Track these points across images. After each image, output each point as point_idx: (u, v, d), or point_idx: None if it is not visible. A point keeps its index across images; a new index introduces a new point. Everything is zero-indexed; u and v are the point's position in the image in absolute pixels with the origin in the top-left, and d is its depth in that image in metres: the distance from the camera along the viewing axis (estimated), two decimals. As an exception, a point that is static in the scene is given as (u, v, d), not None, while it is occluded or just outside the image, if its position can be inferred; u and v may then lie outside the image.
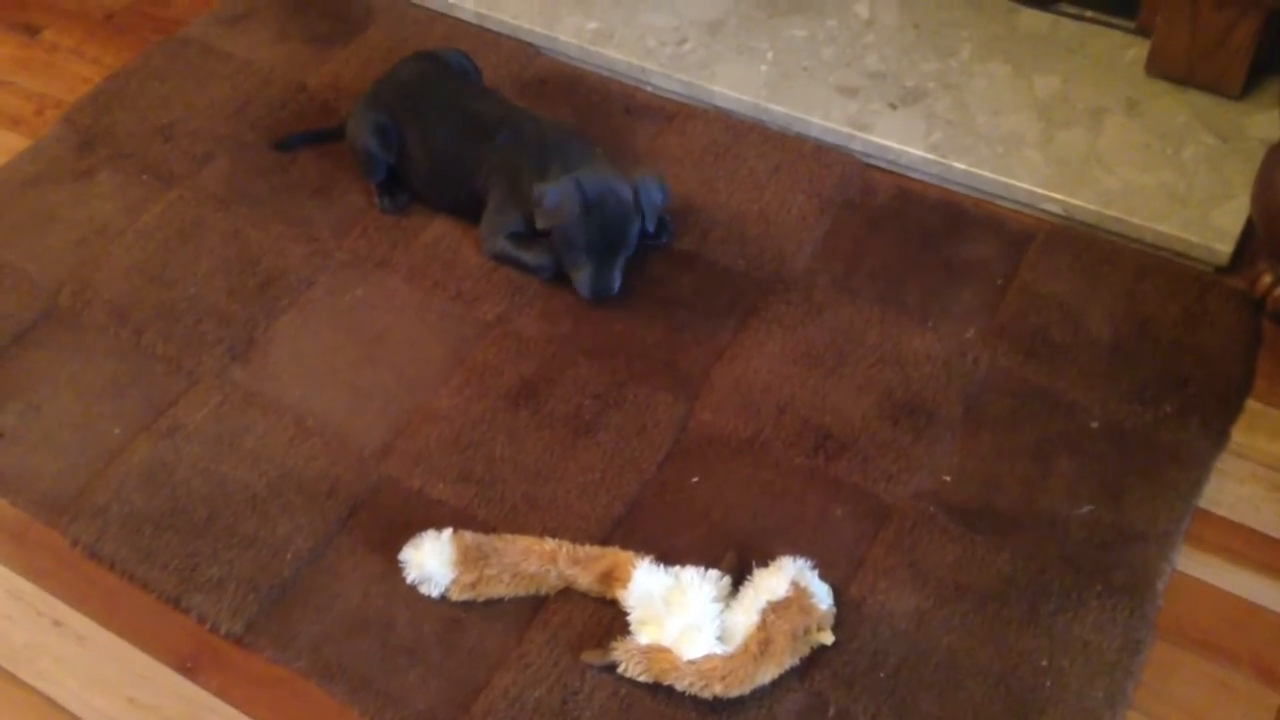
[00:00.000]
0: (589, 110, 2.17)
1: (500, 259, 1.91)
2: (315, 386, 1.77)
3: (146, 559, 1.59)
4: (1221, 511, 1.60)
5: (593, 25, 2.27)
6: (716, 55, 2.21)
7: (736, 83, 2.16)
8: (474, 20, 2.35)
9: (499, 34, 2.32)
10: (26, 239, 1.99)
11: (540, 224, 1.80)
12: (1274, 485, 1.63)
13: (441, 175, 1.95)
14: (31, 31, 2.41)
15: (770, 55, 2.20)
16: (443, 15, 2.36)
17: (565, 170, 1.82)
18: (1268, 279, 1.78)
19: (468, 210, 1.95)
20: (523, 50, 2.29)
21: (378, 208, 2.00)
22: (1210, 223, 1.88)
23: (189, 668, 1.51)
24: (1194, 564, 1.56)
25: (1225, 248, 1.85)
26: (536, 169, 1.85)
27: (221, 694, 1.49)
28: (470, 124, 1.92)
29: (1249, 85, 2.04)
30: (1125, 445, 1.65)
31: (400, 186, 2.01)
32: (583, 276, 1.83)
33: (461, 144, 1.91)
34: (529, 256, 1.88)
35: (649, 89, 2.22)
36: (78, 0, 2.47)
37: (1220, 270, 1.87)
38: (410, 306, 1.87)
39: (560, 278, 1.87)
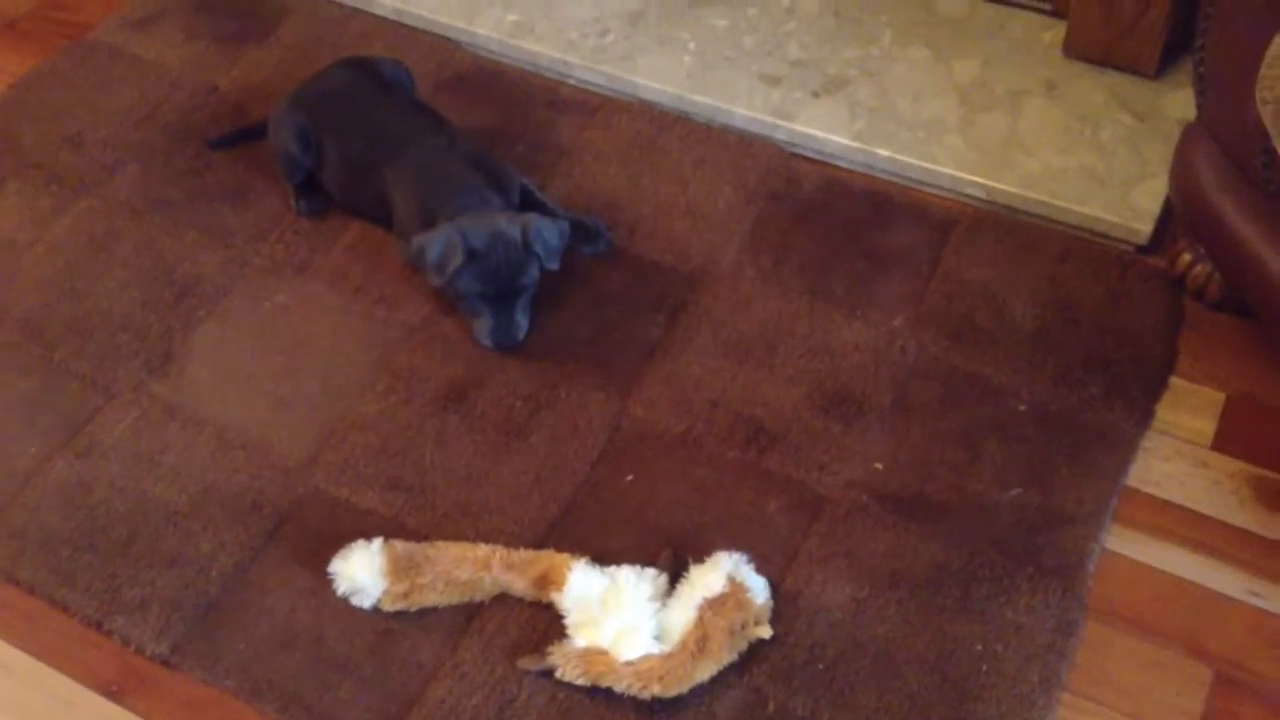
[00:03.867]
0: (511, 105, 2.14)
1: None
2: (236, 397, 1.73)
3: (66, 582, 1.54)
4: (1149, 489, 1.62)
5: (512, 18, 2.24)
6: (639, 47, 2.19)
7: (659, 74, 2.14)
8: (391, 16, 2.30)
9: (416, 29, 2.28)
10: (-70, 255, 1.93)
11: (433, 281, 1.73)
12: (1199, 461, 1.65)
13: (354, 186, 1.91)
14: (-70, 38, 2.33)
15: (692, 45, 2.19)
16: (359, 11, 2.32)
17: (450, 210, 1.75)
18: (1187, 257, 1.80)
19: (381, 221, 1.91)
20: (442, 46, 2.25)
21: (294, 210, 1.96)
22: (1130, 203, 1.90)
23: (114, 691, 1.47)
24: (1123, 543, 1.57)
25: (1145, 227, 1.87)
26: (424, 204, 1.79)
27: (149, 717, 1.45)
28: (381, 139, 1.87)
29: (1164, 64, 2.07)
30: (1052, 428, 1.67)
31: (318, 189, 1.97)
32: (482, 326, 1.76)
33: (371, 158, 1.87)
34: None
35: (572, 82, 2.20)
36: (-22, 6, 2.40)
37: (1141, 250, 1.89)
38: (332, 311, 1.84)
39: None
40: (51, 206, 1.99)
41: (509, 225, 1.73)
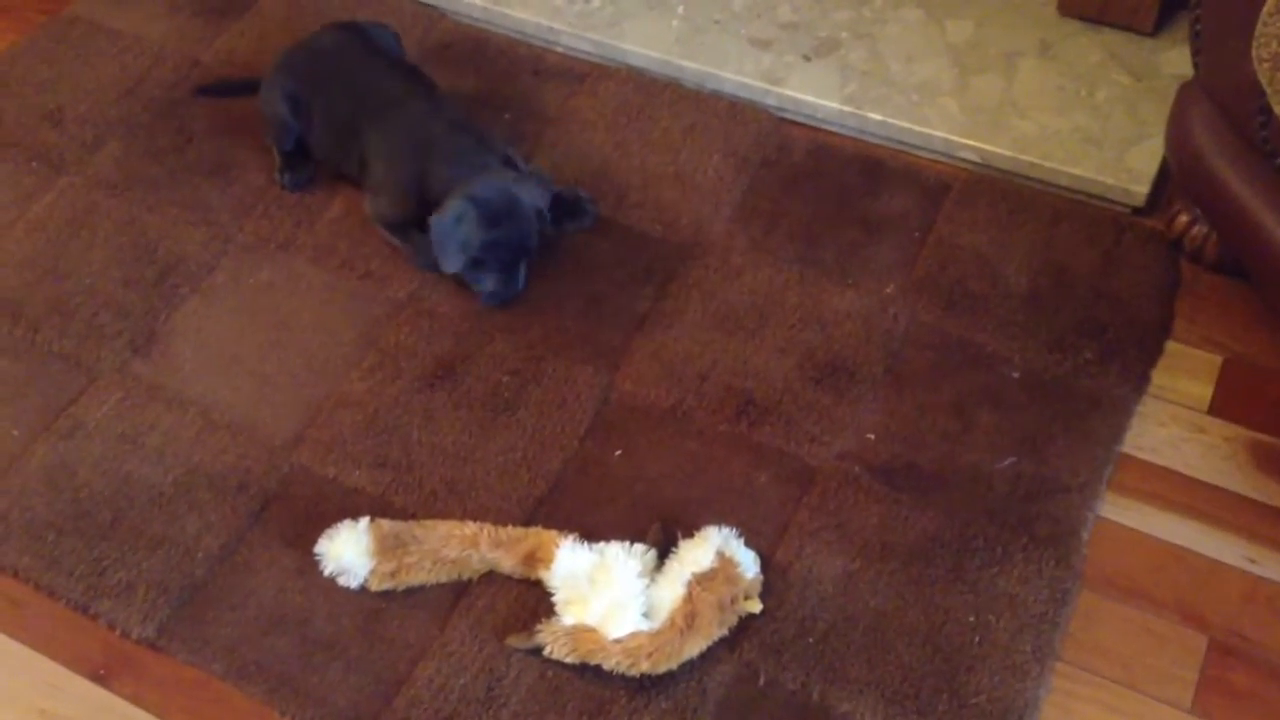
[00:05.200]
0: (497, 74, 2.11)
1: (384, 235, 1.87)
2: (221, 377, 1.71)
3: (52, 566, 1.53)
4: (1144, 455, 1.60)
5: (497, -15, 2.20)
6: (625, 12, 2.15)
7: (647, 40, 2.10)
8: (374, -15, 2.27)
9: (401, -2, 2.25)
10: (-89, 236, 1.91)
11: (449, 267, 1.72)
12: (1195, 426, 1.63)
13: (339, 146, 1.89)
14: (-92, 15, 2.30)
15: (680, 9, 2.15)
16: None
17: (445, 169, 1.74)
18: (1184, 218, 1.78)
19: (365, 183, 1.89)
20: (426, 14, 2.21)
21: (279, 184, 1.93)
22: (1126, 164, 1.86)
23: (101, 675, 1.46)
24: (1118, 510, 1.55)
25: (1141, 189, 1.84)
26: (408, 166, 1.78)
27: (136, 700, 1.44)
28: (368, 99, 1.85)
29: (1161, 21, 2.03)
30: (1046, 395, 1.64)
31: (304, 162, 1.94)
32: (490, 284, 1.75)
33: (357, 118, 1.85)
34: (405, 248, 1.83)
35: (558, 50, 2.16)
36: (-45, -19, 2.36)
37: (1137, 212, 1.86)
38: (317, 288, 1.81)
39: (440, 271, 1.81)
40: (32, 185, 1.96)
41: (518, 189, 1.73)
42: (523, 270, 1.77)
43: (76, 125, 2.05)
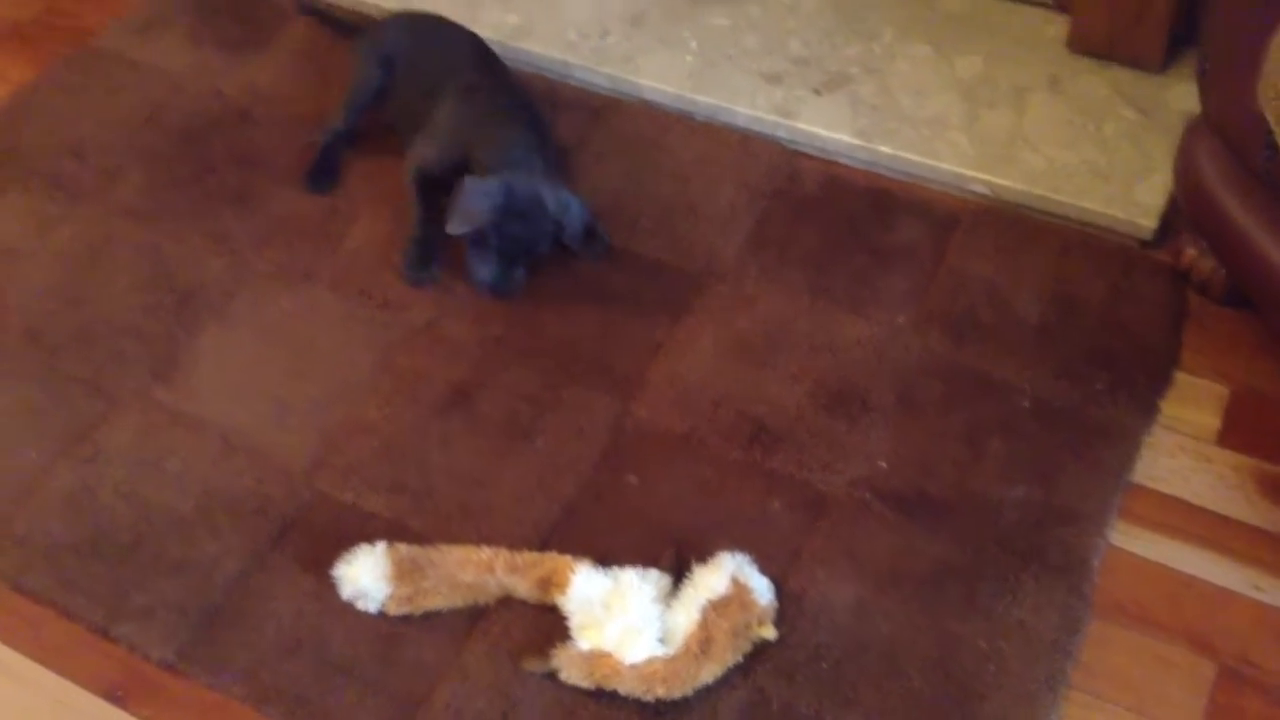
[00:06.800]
0: (512, 107, 2.14)
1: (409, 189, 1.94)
2: (240, 403, 1.73)
3: (71, 589, 1.55)
4: (1153, 485, 1.62)
5: (512, 19, 2.24)
6: (640, 47, 2.19)
7: (661, 74, 2.14)
8: (392, 19, 2.30)
9: (418, 32, 2.28)
10: (-65, 263, 1.94)
11: (453, 228, 1.78)
12: (1203, 456, 1.64)
13: (414, 101, 1.99)
14: (-66, 47, 2.34)
15: (694, 45, 2.19)
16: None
17: (494, 151, 1.84)
18: (1191, 252, 1.80)
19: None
20: (443, 48, 2.25)
21: (303, 183, 1.99)
22: (1134, 198, 1.89)
23: (119, 697, 1.47)
24: (1128, 539, 1.57)
25: (1149, 222, 1.87)
26: (476, 128, 1.90)
27: (154, 723, 1.46)
28: (456, 69, 1.98)
29: (1169, 58, 2.06)
30: (1056, 424, 1.66)
31: (332, 170, 2.01)
32: (485, 273, 1.82)
33: (443, 79, 1.96)
34: (416, 209, 1.91)
35: (573, 83, 2.19)
36: (-19, 13, 2.40)
37: (1145, 245, 1.88)
38: (336, 316, 1.84)
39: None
40: (54, 213, 1.99)
41: (552, 196, 1.80)
42: (521, 273, 1.83)
43: (98, 155, 2.08)
